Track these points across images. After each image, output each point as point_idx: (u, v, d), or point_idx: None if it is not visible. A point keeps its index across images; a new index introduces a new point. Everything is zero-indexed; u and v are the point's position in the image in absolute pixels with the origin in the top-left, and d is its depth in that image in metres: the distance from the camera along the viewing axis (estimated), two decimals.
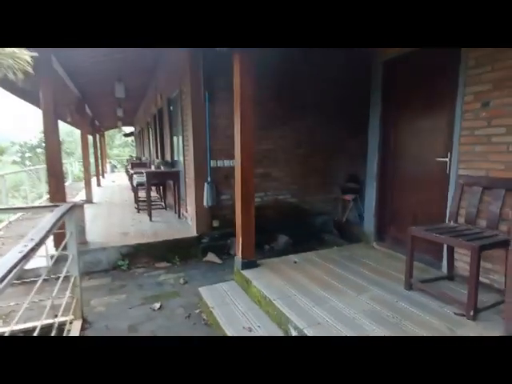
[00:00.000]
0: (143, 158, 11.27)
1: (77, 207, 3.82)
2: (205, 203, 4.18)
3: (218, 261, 4.00)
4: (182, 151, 4.83)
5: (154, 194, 5.68)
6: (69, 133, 27.01)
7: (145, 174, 5.01)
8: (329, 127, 5.00)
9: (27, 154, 17.95)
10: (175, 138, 5.91)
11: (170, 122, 5.95)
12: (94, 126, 10.89)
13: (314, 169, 5.02)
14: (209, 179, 4.20)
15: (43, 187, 10.76)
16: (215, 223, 4.39)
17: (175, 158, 6.02)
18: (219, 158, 4.31)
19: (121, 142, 30.72)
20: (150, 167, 9.03)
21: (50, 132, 3.48)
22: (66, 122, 8.51)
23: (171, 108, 5.83)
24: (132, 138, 21.34)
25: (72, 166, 17.62)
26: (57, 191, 3.46)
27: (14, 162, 17.48)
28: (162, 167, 5.24)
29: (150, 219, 5.10)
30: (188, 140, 4.39)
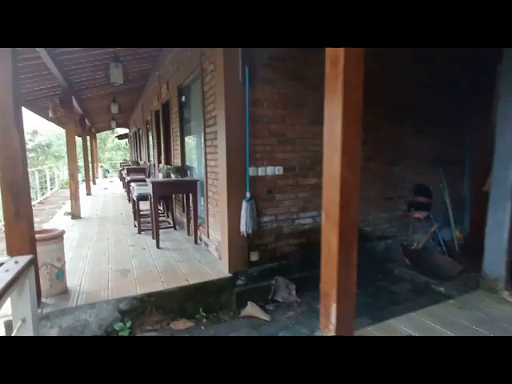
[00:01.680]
0: (141, 163, 9.93)
1: (55, 239, 2.52)
2: (242, 229, 2.89)
3: (264, 317, 2.70)
4: (203, 154, 3.55)
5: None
6: (59, 135, 25.41)
7: (151, 185, 3.71)
8: (392, 122, 3.79)
9: None
10: (188, 138, 4.62)
11: (180, 118, 4.66)
12: (84, 125, 9.51)
13: (374, 177, 3.79)
14: (248, 195, 2.93)
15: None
16: (254, 256, 3.10)
17: (187, 164, 4.73)
18: (260, 165, 3.04)
19: (113, 145, 29.18)
20: (150, 173, 7.72)
21: (7, 126, 2.16)
22: (46, 118, 7.11)
23: (183, 99, 4.55)
24: (126, 140, 19.92)
25: (60, 171, 16.16)
26: (18, 218, 2.14)
27: None
28: (172, 175, 3.95)
29: (158, 245, 3.78)
30: (216, 138, 3.12)
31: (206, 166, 3.53)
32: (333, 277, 1.72)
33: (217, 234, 3.35)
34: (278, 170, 3.13)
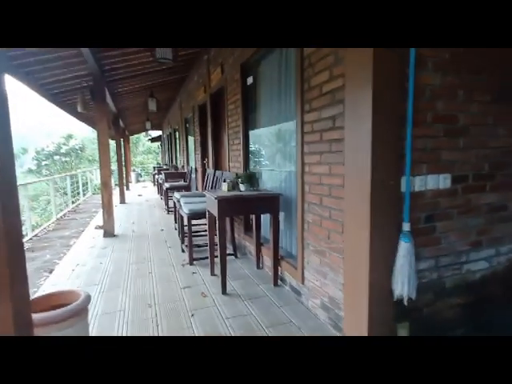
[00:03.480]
0: (179, 166, 8.93)
1: (74, 318, 1.36)
2: (399, 291, 1.60)
3: None
4: (299, 155, 2.30)
5: (198, 221, 3.15)
6: (92, 139, 25.51)
7: (216, 202, 2.51)
8: None
9: (44, 162, 16.17)
10: (257, 133, 3.41)
11: (244, 107, 3.47)
12: (118, 127, 8.68)
13: None
14: (406, 227, 1.64)
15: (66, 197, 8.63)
16: (402, 330, 1.80)
17: (251, 170, 3.53)
18: (417, 172, 1.74)
19: (144, 149, 28.98)
20: (190, 179, 6.64)
21: None
22: (74, 115, 6.21)
23: (250, 80, 3.35)
24: (158, 143, 19.34)
25: (93, 175, 15.72)
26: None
27: (30, 171, 15.70)
28: (241, 186, 2.76)
29: (224, 290, 2.58)
30: (333, 128, 1.86)
31: (302, 173, 2.28)
32: None
33: (325, 284, 2.08)
34: (444, 181, 1.81)
